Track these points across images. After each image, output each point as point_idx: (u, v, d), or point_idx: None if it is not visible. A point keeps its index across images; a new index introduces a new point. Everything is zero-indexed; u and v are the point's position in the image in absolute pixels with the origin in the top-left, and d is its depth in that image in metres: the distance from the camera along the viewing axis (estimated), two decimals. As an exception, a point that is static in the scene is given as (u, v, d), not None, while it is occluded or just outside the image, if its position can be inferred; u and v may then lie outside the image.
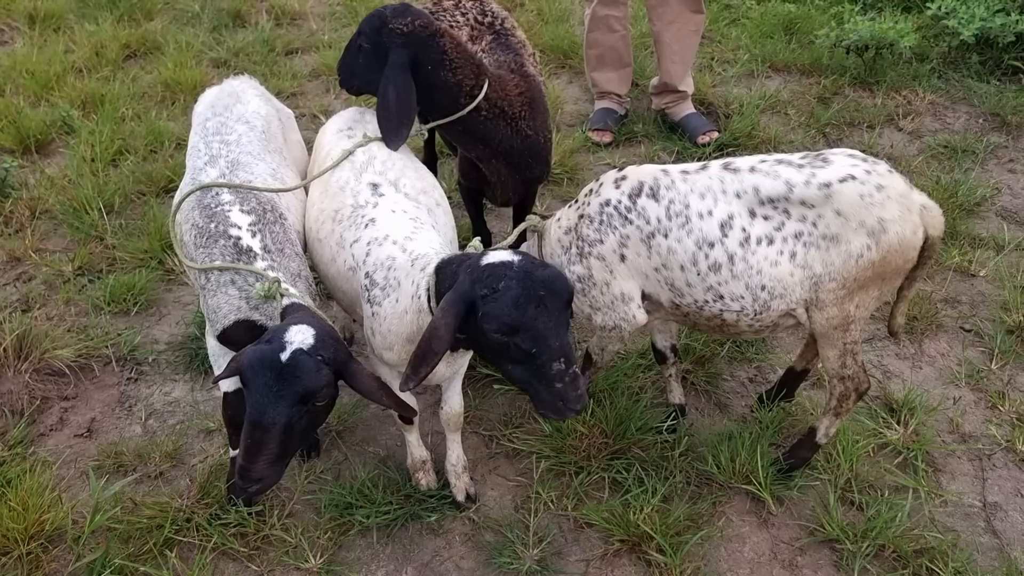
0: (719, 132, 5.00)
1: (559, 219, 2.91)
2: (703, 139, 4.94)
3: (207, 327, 2.75)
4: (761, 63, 5.77)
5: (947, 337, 3.71)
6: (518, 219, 3.65)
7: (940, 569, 2.71)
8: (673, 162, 4.88)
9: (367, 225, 2.60)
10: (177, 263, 4.01)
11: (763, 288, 2.57)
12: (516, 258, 2.14)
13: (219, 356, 2.80)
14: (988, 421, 3.30)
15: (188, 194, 2.71)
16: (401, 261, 2.46)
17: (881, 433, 3.19)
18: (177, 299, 3.92)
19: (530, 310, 2.06)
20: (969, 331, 3.74)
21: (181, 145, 4.88)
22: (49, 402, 3.38)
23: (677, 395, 3.25)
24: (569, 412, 2.12)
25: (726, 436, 3.12)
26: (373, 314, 2.52)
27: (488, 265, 2.13)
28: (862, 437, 3.13)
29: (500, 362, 2.20)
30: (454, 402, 2.87)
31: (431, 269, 2.34)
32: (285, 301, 2.44)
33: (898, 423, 3.24)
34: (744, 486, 2.99)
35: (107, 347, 3.59)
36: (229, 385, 2.82)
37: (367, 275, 2.53)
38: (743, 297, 2.59)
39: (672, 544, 2.76)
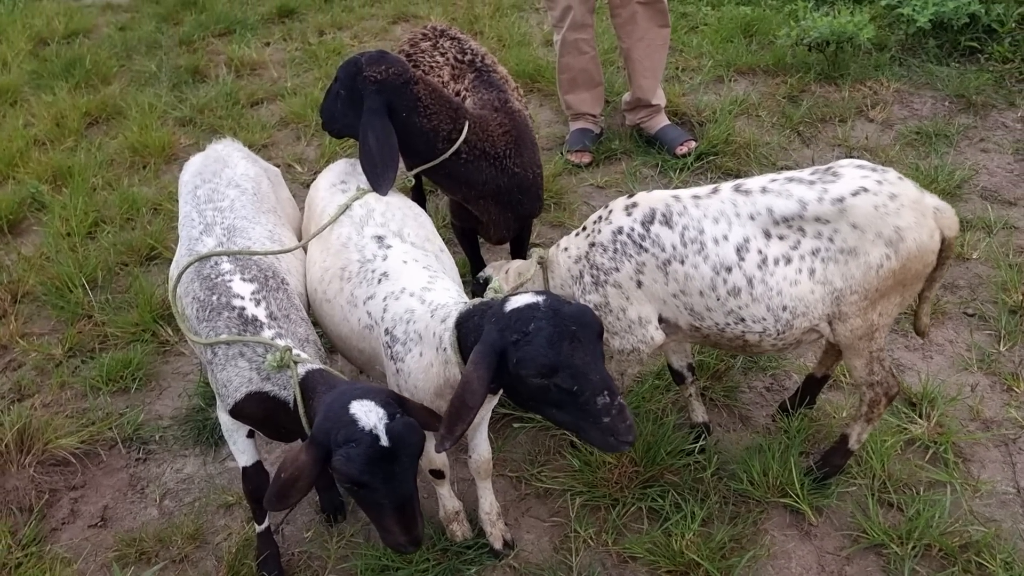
0: (696, 141, 5.02)
1: (566, 248, 2.87)
2: (681, 150, 4.95)
3: (218, 402, 2.67)
4: (726, 68, 5.81)
5: (952, 323, 3.73)
6: (516, 253, 3.61)
7: (988, 562, 2.70)
8: (657, 176, 4.89)
9: (380, 280, 2.54)
10: (172, 333, 3.92)
11: (784, 308, 2.55)
12: (540, 298, 2.10)
13: (233, 431, 2.71)
14: (1007, 404, 3.32)
15: (187, 267, 2.63)
16: (420, 313, 2.41)
17: (906, 429, 3.19)
18: (176, 371, 3.81)
19: (565, 347, 2.01)
20: (972, 315, 3.76)
21: (158, 211, 4.80)
22: (58, 494, 3.26)
23: (700, 414, 3.22)
24: (622, 446, 2.07)
25: (755, 450, 3.09)
26: (397, 371, 2.45)
27: (514, 310, 2.09)
28: (889, 435, 3.12)
29: (541, 408, 2.14)
30: (483, 449, 2.81)
31: (451, 323, 2.28)
32: (301, 369, 2.36)
33: (920, 416, 3.24)
34: (781, 500, 2.96)
35: (110, 429, 3.48)
36: (247, 459, 2.74)
37: (387, 331, 2.47)
38: (764, 319, 2.57)
39: (720, 569, 2.72)
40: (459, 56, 3.45)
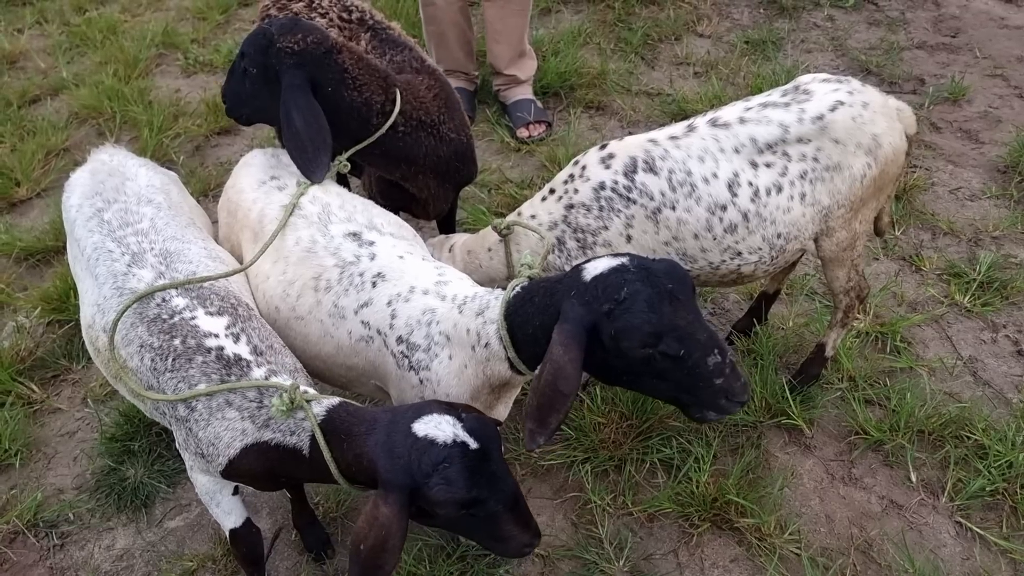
0: (548, 124, 4.57)
1: (533, 216, 2.63)
2: (521, 132, 4.49)
3: (193, 463, 2.22)
4: (550, -1, 5.70)
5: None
6: (446, 226, 3.31)
7: (972, 432, 2.88)
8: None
9: (375, 283, 2.20)
10: (39, 389, 3.27)
11: (779, 236, 2.52)
12: (624, 259, 1.88)
13: (215, 492, 2.29)
14: (922, 284, 3.55)
15: (125, 308, 2.11)
16: (444, 311, 2.10)
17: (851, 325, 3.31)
18: (59, 432, 3.18)
19: (666, 308, 1.81)
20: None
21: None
22: (-37, 617, 2.64)
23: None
24: (736, 406, 1.91)
25: (734, 378, 3.08)
26: (421, 381, 2.14)
27: (597, 277, 1.85)
28: (846, 337, 3.23)
29: (639, 382, 1.92)
30: (495, 442, 2.56)
31: (494, 314, 2.01)
32: (318, 408, 1.99)
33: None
34: (772, 420, 2.99)
35: (6, 522, 2.84)
36: (235, 520, 2.34)
37: (400, 340, 2.14)
38: (760, 249, 2.53)
39: (751, 501, 2.70)
40: (344, 15, 3.04)
